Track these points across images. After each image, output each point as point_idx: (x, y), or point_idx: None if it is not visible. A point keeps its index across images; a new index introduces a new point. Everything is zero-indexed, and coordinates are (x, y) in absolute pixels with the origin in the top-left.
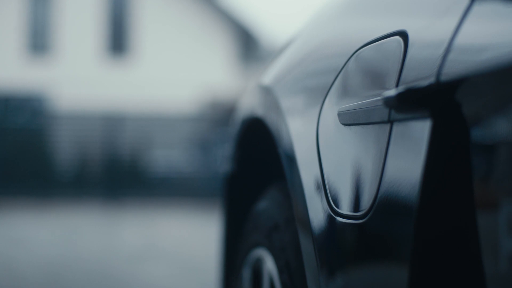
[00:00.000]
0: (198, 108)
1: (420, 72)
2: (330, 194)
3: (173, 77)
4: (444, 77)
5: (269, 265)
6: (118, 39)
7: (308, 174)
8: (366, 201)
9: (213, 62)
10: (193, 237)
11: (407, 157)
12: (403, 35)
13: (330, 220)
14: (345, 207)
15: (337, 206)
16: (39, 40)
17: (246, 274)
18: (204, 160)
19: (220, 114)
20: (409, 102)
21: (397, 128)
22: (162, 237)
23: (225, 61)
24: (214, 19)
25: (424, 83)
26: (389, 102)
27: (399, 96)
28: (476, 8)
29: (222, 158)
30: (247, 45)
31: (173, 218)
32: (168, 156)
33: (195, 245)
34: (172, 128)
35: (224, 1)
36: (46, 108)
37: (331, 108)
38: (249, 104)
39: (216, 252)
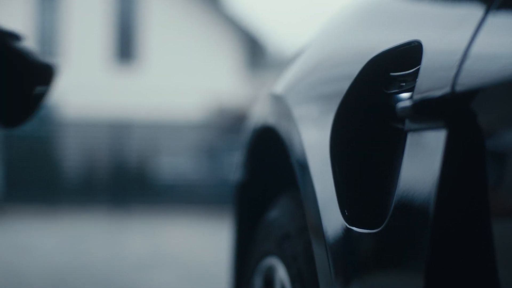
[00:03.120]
0: (205, 115)
1: (434, 82)
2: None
3: (180, 84)
4: (459, 87)
5: (281, 273)
6: (125, 46)
7: (321, 183)
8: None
9: (220, 69)
10: (200, 244)
11: (423, 167)
12: (417, 45)
13: (344, 229)
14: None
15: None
16: (46, 47)
17: (258, 283)
18: (211, 168)
19: (227, 121)
20: (424, 112)
21: (412, 137)
22: (169, 244)
23: (232, 68)
24: (221, 27)
25: (439, 93)
26: (404, 112)
27: (414, 106)
28: (490, 19)
29: (233, 167)
30: (254, 52)
31: (180, 226)
32: (175, 163)
33: (203, 253)
34: (179, 135)
35: (231, 8)
36: (53, 115)
37: None
38: (261, 113)
39: (224, 259)
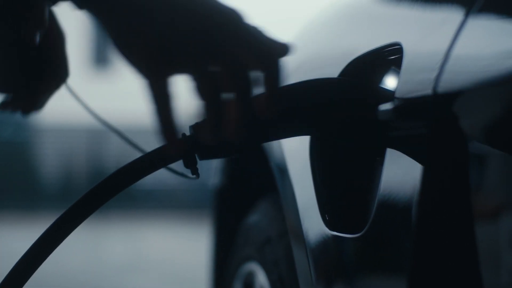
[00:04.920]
0: (184, 119)
1: (416, 84)
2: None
3: None
4: (441, 88)
5: (261, 279)
6: (102, 51)
7: (301, 187)
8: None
9: None
10: (180, 248)
11: (404, 170)
12: (398, 47)
13: (325, 234)
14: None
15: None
16: None
17: None
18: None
19: None
20: (405, 114)
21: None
22: (150, 248)
23: None
24: None
25: (421, 95)
26: (384, 115)
27: (395, 108)
28: (471, 22)
29: (212, 171)
30: None
31: (160, 230)
32: None
33: (183, 257)
34: (157, 140)
35: None
36: (31, 121)
37: None
38: None
39: (205, 264)
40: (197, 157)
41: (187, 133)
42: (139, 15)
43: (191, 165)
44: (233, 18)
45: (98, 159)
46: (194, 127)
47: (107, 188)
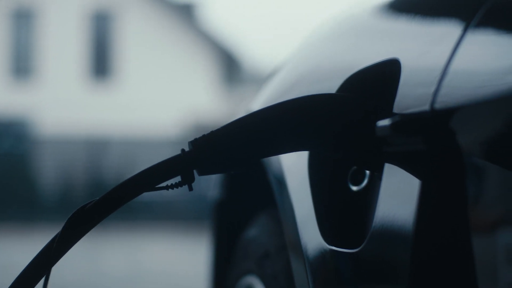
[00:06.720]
0: (182, 130)
1: (414, 100)
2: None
3: (157, 100)
4: (438, 105)
5: None
6: (101, 63)
7: (299, 201)
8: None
9: (197, 85)
10: (179, 259)
11: (402, 186)
12: (396, 63)
13: (323, 249)
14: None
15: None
16: (22, 64)
17: None
18: None
19: None
20: (403, 131)
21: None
22: (149, 260)
23: (208, 84)
24: (197, 43)
25: (418, 110)
26: (382, 130)
27: (392, 124)
28: (469, 37)
29: (211, 183)
30: (230, 68)
31: (158, 242)
32: None
33: (182, 268)
34: (156, 151)
35: (206, 24)
36: (29, 133)
37: None
38: None
39: (203, 275)
40: (195, 173)
41: (187, 148)
42: None
43: (189, 181)
44: None
45: (97, 170)
46: (193, 143)
47: (109, 202)
